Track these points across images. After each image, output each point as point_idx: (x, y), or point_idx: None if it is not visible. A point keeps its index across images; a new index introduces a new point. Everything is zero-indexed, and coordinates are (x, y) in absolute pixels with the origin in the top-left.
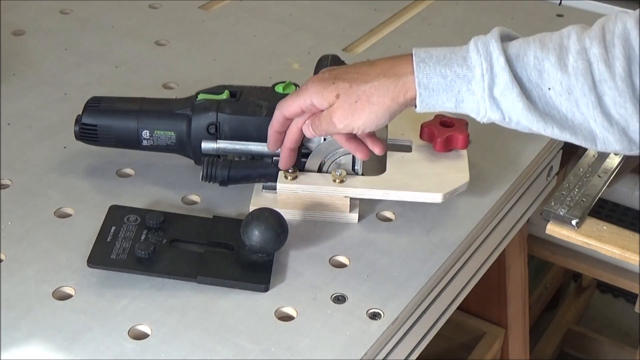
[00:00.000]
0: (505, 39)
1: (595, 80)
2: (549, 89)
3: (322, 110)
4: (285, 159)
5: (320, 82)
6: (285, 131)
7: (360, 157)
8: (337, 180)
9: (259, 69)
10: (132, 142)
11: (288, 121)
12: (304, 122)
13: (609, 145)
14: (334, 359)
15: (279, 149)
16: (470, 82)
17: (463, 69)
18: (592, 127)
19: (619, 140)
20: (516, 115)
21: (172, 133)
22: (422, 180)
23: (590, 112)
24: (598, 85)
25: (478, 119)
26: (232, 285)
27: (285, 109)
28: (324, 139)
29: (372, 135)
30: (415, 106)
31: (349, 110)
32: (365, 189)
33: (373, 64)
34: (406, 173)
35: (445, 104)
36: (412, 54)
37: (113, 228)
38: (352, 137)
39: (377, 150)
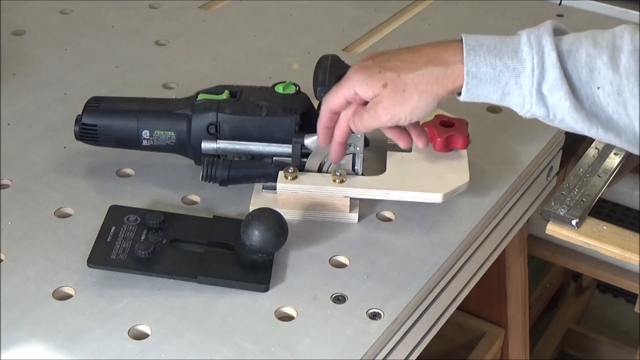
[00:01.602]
0: (556, 33)
1: None
2: (598, 88)
3: (365, 102)
4: (335, 153)
5: (364, 71)
6: (334, 125)
7: (403, 146)
8: (337, 180)
9: (259, 69)
10: (132, 142)
11: (336, 115)
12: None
13: None
14: (334, 359)
15: (329, 144)
16: (519, 75)
17: (513, 61)
18: (638, 130)
19: None
20: (561, 113)
21: (172, 133)
22: (422, 180)
23: (637, 115)
24: None
25: (522, 113)
26: (232, 285)
27: (330, 102)
28: None
29: (417, 126)
30: (459, 94)
31: (396, 100)
32: (365, 189)
33: (419, 50)
34: (406, 173)
35: (491, 95)
36: (460, 41)
37: (113, 228)
38: (396, 125)
39: (421, 143)
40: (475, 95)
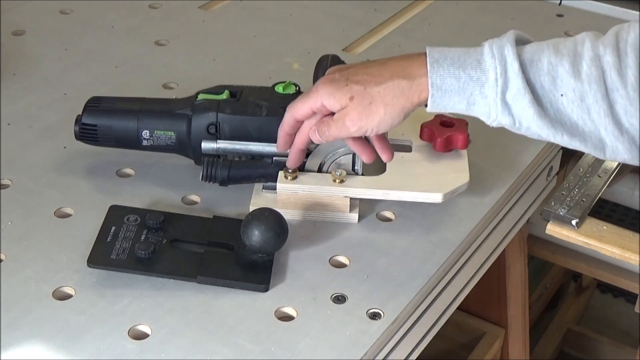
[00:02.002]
0: (519, 42)
1: (607, 88)
2: (562, 95)
3: (332, 113)
4: (293, 159)
5: (332, 84)
6: (295, 133)
7: (365, 160)
8: (337, 180)
9: (259, 69)
10: (132, 142)
11: (298, 123)
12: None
13: (617, 154)
14: (334, 359)
15: (288, 150)
16: (483, 85)
17: (477, 72)
18: (602, 135)
19: (629, 150)
20: (527, 120)
21: (172, 133)
22: (422, 180)
23: (601, 120)
24: (610, 93)
25: (488, 122)
26: (232, 285)
27: (295, 111)
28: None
29: (382, 139)
30: (426, 106)
31: (363, 113)
32: (365, 189)
33: (384, 64)
34: (406, 173)
35: (457, 106)
36: (425, 54)
37: (113, 228)
38: (359, 138)
39: (385, 157)
40: (441, 106)
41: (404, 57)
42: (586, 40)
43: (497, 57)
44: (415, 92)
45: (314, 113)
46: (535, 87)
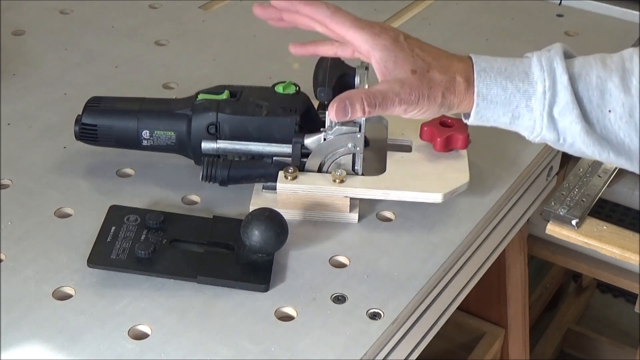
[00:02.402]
0: (565, 56)
1: None
2: (609, 111)
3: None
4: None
5: (395, 43)
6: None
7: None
8: (337, 180)
9: (259, 69)
10: (132, 142)
11: (327, 29)
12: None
13: None
14: (334, 359)
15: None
16: (530, 98)
17: (524, 84)
18: None
19: None
20: (572, 136)
21: (172, 133)
22: (422, 180)
23: None
24: None
25: (531, 137)
26: (232, 285)
27: (345, 19)
28: (324, 139)
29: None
30: (468, 116)
31: (421, 94)
32: (365, 189)
33: (444, 53)
34: (406, 173)
35: (501, 118)
36: (470, 59)
37: (113, 228)
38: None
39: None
40: (484, 117)
41: (456, 56)
42: (634, 55)
43: (546, 69)
44: (467, 97)
45: (343, 41)
46: (583, 101)
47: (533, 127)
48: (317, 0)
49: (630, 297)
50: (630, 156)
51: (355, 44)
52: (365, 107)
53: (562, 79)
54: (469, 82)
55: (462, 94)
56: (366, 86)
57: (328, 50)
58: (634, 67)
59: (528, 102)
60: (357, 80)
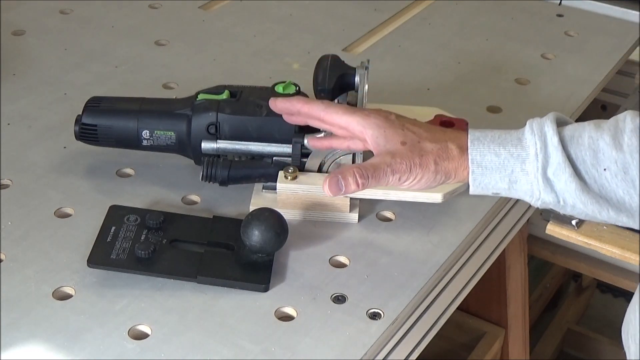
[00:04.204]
0: (560, 123)
1: None
2: (605, 169)
3: (354, 152)
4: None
5: (386, 120)
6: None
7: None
8: None
9: (259, 69)
10: (132, 142)
11: (316, 121)
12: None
13: None
14: (334, 359)
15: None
16: (524, 161)
17: (517, 149)
18: None
19: None
20: (570, 197)
21: (172, 133)
22: None
23: None
24: None
25: (532, 202)
26: (232, 285)
27: (330, 111)
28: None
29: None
30: (468, 188)
31: (411, 164)
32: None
33: (435, 128)
34: None
35: (499, 184)
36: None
37: (113, 228)
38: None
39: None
40: (482, 185)
41: (450, 129)
42: (627, 116)
43: (536, 133)
44: (462, 165)
45: (342, 130)
46: (577, 162)
47: (532, 191)
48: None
49: (630, 297)
50: (632, 213)
51: (350, 128)
52: (358, 180)
53: (553, 141)
54: (463, 150)
55: (455, 160)
56: (366, 87)
57: (341, 144)
58: (625, 125)
59: (523, 166)
60: (357, 80)
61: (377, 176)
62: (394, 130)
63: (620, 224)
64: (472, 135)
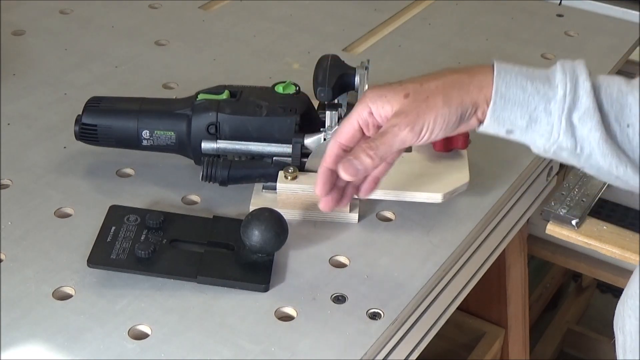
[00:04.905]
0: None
1: None
2: (628, 125)
3: (379, 127)
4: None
5: (381, 87)
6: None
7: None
8: None
9: (259, 69)
10: (132, 142)
11: (345, 152)
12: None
13: None
14: (334, 359)
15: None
16: (549, 101)
17: (545, 87)
18: None
19: None
20: (590, 145)
21: (172, 133)
22: (422, 180)
23: None
24: None
25: (546, 146)
26: (232, 285)
27: (338, 135)
28: (324, 139)
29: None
30: (481, 123)
31: (419, 108)
32: None
33: (444, 71)
34: (406, 173)
35: (517, 121)
36: (491, 65)
37: (113, 228)
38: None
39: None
40: (500, 118)
41: (465, 67)
42: None
43: (568, 74)
44: (476, 89)
45: (361, 133)
46: (602, 112)
47: (550, 132)
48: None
49: None
50: None
51: (360, 121)
52: (368, 152)
53: (585, 85)
54: (482, 79)
55: (471, 86)
56: (366, 87)
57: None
58: None
59: (547, 105)
60: (357, 80)
61: (386, 140)
62: (393, 89)
63: (632, 185)
64: (499, 66)
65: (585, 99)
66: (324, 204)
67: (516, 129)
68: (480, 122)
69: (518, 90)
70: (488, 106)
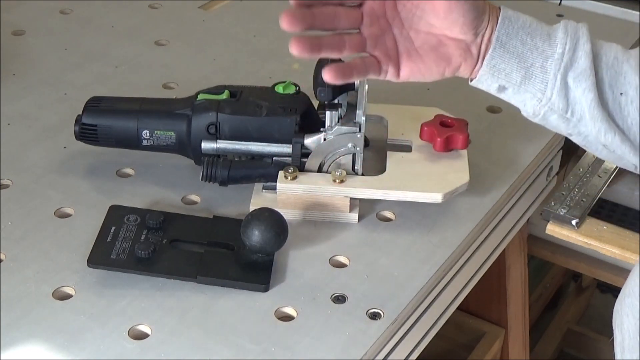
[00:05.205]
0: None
1: None
2: (621, 94)
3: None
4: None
5: None
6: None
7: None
8: (337, 180)
9: (259, 69)
10: (132, 142)
11: None
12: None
13: None
14: (334, 359)
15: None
16: (547, 59)
17: (544, 44)
18: None
19: None
20: (581, 108)
21: (172, 133)
22: (422, 180)
23: None
24: None
25: (537, 106)
26: (232, 285)
27: None
28: (324, 139)
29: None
30: (476, 72)
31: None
32: (365, 189)
33: None
34: (406, 173)
35: (513, 74)
36: (498, 8)
37: (113, 228)
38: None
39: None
40: (495, 68)
41: None
42: None
43: (570, 34)
44: (490, 24)
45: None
46: (597, 76)
47: (543, 92)
48: None
49: None
50: (635, 146)
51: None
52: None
53: (585, 47)
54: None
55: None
56: (366, 87)
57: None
58: None
59: (544, 63)
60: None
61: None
62: None
63: (617, 154)
64: (505, 13)
65: (584, 59)
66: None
67: (509, 84)
68: (477, 62)
69: (517, 42)
70: (487, 50)
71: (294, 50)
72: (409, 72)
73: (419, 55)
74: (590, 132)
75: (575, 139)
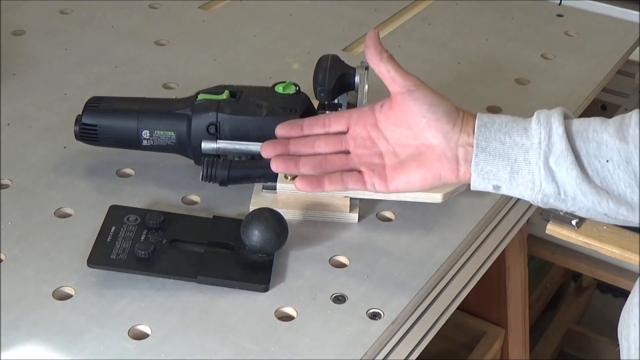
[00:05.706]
0: (566, 117)
1: None
2: (607, 161)
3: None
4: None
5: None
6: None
7: None
8: None
9: (259, 69)
10: (132, 142)
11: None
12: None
13: None
14: (334, 359)
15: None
16: (527, 151)
17: (522, 138)
18: None
19: None
20: (571, 187)
21: (172, 133)
22: None
23: None
24: None
25: (532, 195)
26: (232, 285)
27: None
28: None
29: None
30: (469, 187)
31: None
32: None
33: None
34: None
35: (500, 173)
36: (474, 117)
37: (113, 228)
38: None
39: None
40: (484, 170)
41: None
42: (634, 112)
43: (542, 123)
44: (464, 129)
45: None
46: (580, 154)
47: (533, 181)
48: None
49: None
50: (632, 206)
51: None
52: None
53: (558, 130)
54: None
55: (457, 120)
56: (366, 87)
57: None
58: (631, 120)
59: (526, 155)
60: (357, 80)
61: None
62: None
63: (619, 218)
64: (480, 120)
65: (559, 142)
66: (274, 164)
67: (501, 183)
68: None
69: (497, 144)
70: (467, 155)
71: (273, 167)
72: (396, 184)
73: (402, 167)
74: (588, 206)
75: (579, 215)
